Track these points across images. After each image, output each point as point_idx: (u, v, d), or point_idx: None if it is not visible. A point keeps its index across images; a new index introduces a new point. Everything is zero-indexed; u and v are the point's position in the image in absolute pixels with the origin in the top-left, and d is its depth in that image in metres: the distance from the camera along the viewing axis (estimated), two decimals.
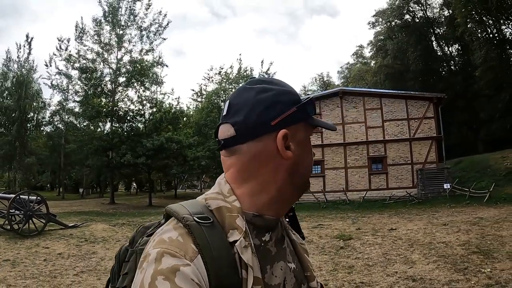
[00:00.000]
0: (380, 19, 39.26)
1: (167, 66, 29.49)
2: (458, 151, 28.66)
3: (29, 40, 35.18)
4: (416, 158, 20.56)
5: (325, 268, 6.77)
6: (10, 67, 35.32)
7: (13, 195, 10.96)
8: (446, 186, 18.40)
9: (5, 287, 5.70)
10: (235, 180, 0.81)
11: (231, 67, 35.09)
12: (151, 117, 25.41)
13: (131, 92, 26.56)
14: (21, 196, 10.84)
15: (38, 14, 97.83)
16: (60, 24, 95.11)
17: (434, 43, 37.71)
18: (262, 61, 51.60)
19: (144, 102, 25.82)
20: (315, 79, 56.42)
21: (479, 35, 30.06)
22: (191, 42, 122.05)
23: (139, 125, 26.44)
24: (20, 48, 35.05)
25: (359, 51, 45.10)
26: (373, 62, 42.19)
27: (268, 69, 35.45)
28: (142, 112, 25.65)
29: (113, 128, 25.57)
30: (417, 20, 37.28)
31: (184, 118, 30.81)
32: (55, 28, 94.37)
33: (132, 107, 25.99)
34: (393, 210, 16.04)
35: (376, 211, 16.23)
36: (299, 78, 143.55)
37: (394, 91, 23.23)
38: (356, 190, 20.46)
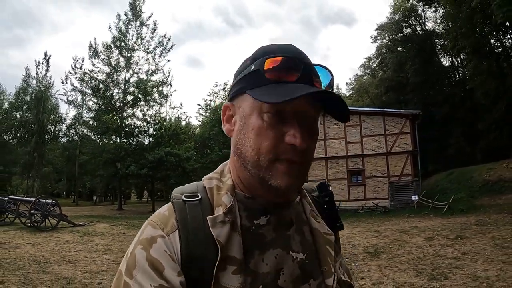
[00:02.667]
0: (383, 33, 42.32)
1: (171, 85, 33.63)
2: (456, 162, 30.64)
3: (47, 57, 40.06)
4: (392, 171, 23.58)
5: None
6: (29, 83, 40.22)
7: (33, 199, 14.89)
8: (414, 197, 21.06)
9: (28, 255, 9.38)
10: (230, 158, 0.84)
11: None
12: (154, 133, 29.69)
13: (137, 110, 31.04)
14: (40, 200, 14.73)
15: (56, 24, 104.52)
16: (78, 33, 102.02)
17: (433, 55, 39.99)
18: None
19: (148, 119, 30.13)
20: None
21: (467, 49, 32.30)
22: (207, 51, 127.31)
23: (144, 139, 30.77)
24: (38, 65, 40.03)
25: (367, 63, 47.95)
26: (375, 75, 45.24)
27: None
28: (146, 128, 29.99)
29: (121, 142, 29.59)
30: (417, 34, 40.15)
31: (189, 133, 34.74)
32: (73, 37, 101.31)
33: (138, 123, 30.43)
34: (356, 218, 18.56)
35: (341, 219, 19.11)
36: None
37: (372, 109, 26.50)
38: (336, 201, 23.63)
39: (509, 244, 8.87)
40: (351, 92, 53.48)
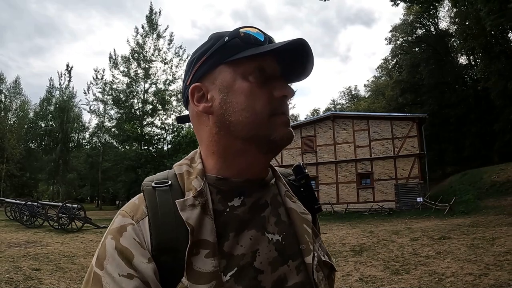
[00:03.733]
0: (397, 34, 43.37)
1: None
2: (473, 163, 31.15)
3: (69, 68, 42.78)
4: (400, 174, 24.76)
5: None
6: (53, 93, 43.06)
7: (60, 204, 16.90)
8: (419, 199, 22.15)
9: (57, 251, 11.22)
10: (199, 145, 0.87)
11: None
12: (172, 141, 31.93)
13: (155, 119, 33.36)
14: (66, 205, 16.71)
15: (76, 32, 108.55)
16: (97, 40, 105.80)
17: (447, 56, 40.72)
18: None
19: (166, 127, 32.37)
20: (344, 93, 61.07)
21: (476, 49, 32.63)
22: None
23: (162, 147, 33.06)
24: (61, 76, 42.81)
25: (384, 64, 48.90)
26: (391, 77, 46.26)
27: None
28: (165, 136, 32.24)
29: (141, 150, 31.77)
30: (430, 34, 41.05)
31: None
32: (93, 44, 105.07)
33: (157, 131, 32.74)
34: (360, 220, 19.60)
35: (344, 220, 19.99)
36: (335, 89, 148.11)
37: (380, 114, 27.80)
38: (345, 203, 25.09)
39: (484, 245, 9.51)
40: (369, 93, 54.46)
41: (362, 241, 12.11)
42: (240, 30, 0.79)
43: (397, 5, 22.80)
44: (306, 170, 0.97)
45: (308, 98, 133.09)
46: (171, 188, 0.78)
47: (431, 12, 39.86)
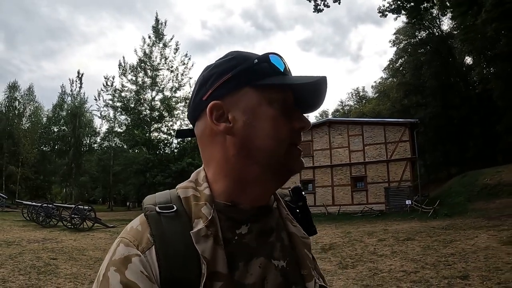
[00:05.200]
0: (400, 37, 45.11)
1: None
2: (476, 164, 31.95)
3: (80, 75, 45.71)
4: (392, 177, 26.68)
5: None
6: (65, 99, 46.10)
7: (73, 206, 19.47)
8: (408, 202, 23.69)
9: (71, 246, 13.67)
10: (204, 166, 0.84)
11: None
12: (177, 146, 34.74)
13: (162, 125, 36.15)
14: (78, 206, 19.29)
15: (87, 34, 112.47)
16: (109, 42, 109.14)
17: (450, 57, 41.99)
18: None
19: (172, 133, 35.06)
20: (352, 94, 62.90)
21: (473, 53, 33.77)
22: None
23: (168, 152, 35.81)
24: (72, 83, 45.76)
25: (390, 66, 50.40)
26: (396, 78, 47.91)
27: None
28: (171, 141, 35.04)
29: (148, 155, 34.44)
30: (432, 36, 42.49)
31: None
32: (104, 46, 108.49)
33: (163, 136, 35.54)
34: (349, 221, 21.09)
35: (334, 221, 21.44)
36: (346, 88, 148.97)
37: (374, 119, 29.92)
38: (340, 205, 27.23)
39: (438, 247, 10.42)
40: (377, 95, 55.96)
41: (335, 240, 13.49)
42: (270, 55, 0.80)
43: (385, 16, 24.64)
44: (304, 193, 0.98)
45: None
46: (177, 214, 0.76)
47: (433, 14, 41.39)
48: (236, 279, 0.74)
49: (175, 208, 0.76)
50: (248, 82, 0.78)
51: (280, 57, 0.82)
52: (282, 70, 0.81)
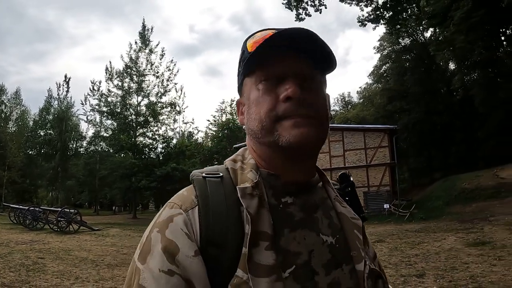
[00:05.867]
0: (384, 44, 46.43)
1: (179, 106, 39.44)
2: (459, 169, 32.56)
3: (67, 79, 46.53)
4: (372, 182, 27.76)
5: None
6: (52, 103, 46.80)
7: (59, 209, 20.34)
8: (386, 206, 24.68)
9: (57, 247, 14.57)
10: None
11: None
12: (162, 151, 35.67)
13: (147, 131, 37.16)
14: (64, 210, 20.17)
15: (75, 37, 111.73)
16: (97, 45, 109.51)
17: (433, 64, 42.94)
18: None
19: (157, 138, 36.14)
20: (337, 99, 64.22)
21: (453, 60, 34.79)
22: (225, 60, 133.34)
23: (153, 156, 36.78)
24: (59, 87, 46.51)
25: (375, 71, 51.51)
26: (380, 84, 49.27)
27: None
28: (156, 146, 35.99)
29: (134, 159, 35.36)
30: (416, 43, 43.65)
31: (195, 148, 40.54)
32: (93, 49, 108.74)
33: (148, 141, 36.59)
34: None
35: None
36: (333, 93, 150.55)
37: (354, 125, 31.24)
38: None
39: (404, 248, 11.04)
40: (362, 100, 57.21)
41: None
42: (248, 40, 0.84)
43: (365, 25, 25.72)
44: (352, 178, 0.99)
45: None
46: (222, 180, 0.80)
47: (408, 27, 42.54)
48: (281, 244, 0.74)
49: (221, 174, 0.81)
50: (243, 73, 0.86)
51: (262, 32, 0.84)
52: (250, 52, 0.81)
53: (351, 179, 1.00)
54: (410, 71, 42.62)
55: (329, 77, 0.92)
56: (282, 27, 0.82)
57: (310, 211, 0.83)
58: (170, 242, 0.70)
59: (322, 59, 0.83)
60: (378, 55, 48.35)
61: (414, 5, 24.16)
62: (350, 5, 25.76)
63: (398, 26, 25.85)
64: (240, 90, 0.91)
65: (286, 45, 0.79)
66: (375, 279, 0.85)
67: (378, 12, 25.48)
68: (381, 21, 25.87)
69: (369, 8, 25.42)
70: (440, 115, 39.51)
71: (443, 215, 19.48)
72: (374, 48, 48.28)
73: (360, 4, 25.74)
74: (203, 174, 0.81)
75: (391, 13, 24.97)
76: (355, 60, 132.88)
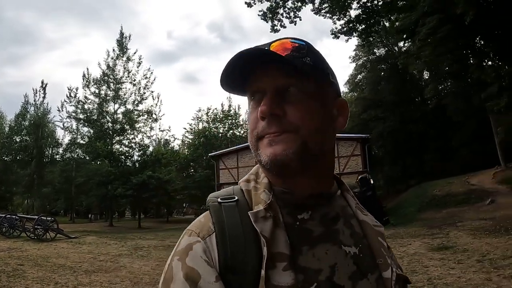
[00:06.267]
0: (360, 53, 47.63)
1: (155, 114, 40.08)
2: (433, 177, 32.85)
3: (43, 85, 46.50)
4: None
5: None
6: (28, 109, 46.66)
7: (36, 217, 20.73)
8: None
9: (35, 254, 15.05)
10: None
11: (215, 108, 46.76)
12: (138, 159, 36.28)
13: (124, 138, 37.79)
14: (41, 217, 20.57)
15: (53, 41, 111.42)
16: (74, 49, 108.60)
17: (407, 73, 43.11)
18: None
19: (133, 146, 36.77)
20: None
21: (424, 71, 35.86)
22: (203, 67, 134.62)
23: (130, 164, 37.42)
24: (36, 93, 46.46)
25: (351, 80, 51.78)
26: (355, 93, 50.44)
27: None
28: (132, 154, 36.66)
29: (110, 167, 35.75)
30: (391, 53, 44.84)
31: (171, 157, 41.16)
32: (71, 54, 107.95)
33: (125, 149, 37.20)
34: None
35: None
36: None
37: None
38: None
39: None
40: None
41: None
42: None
43: (338, 37, 26.65)
44: (372, 181, 1.74)
45: None
46: (238, 203, 0.81)
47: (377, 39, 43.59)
48: (300, 264, 0.76)
49: (236, 198, 0.83)
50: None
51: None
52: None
53: (371, 182, 1.26)
54: (385, 80, 43.64)
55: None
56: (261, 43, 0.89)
57: (330, 223, 0.84)
58: (191, 269, 0.73)
59: (291, 66, 0.80)
60: (354, 64, 49.44)
61: (385, 18, 25.15)
62: (325, 17, 26.72)
63: (371, 39, 26.76)
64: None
65: (256, 61, 0.81)
66: (402, 284, 0.86)
67: (351, 25, 26.35)
68: (354, 33, 26.72)
69: (342, 21, 26.32)
70: (415, 123, 40.25)
71: (414, 221, 19.97)
72: (350, 57, 49.35)
73: (333, 17, 26.70)
74: (219, 200, 0.83)
75: (363, 26, 25.84)
76: (333, 68, 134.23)
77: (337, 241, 0.82)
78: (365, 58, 47.39)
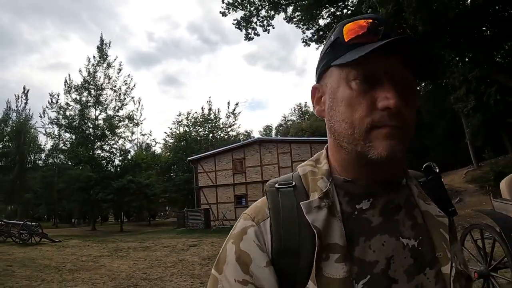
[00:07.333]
0: None
1: (136, 118, 41.80)
2: None
3: (25, 91, 47.52)
4: None
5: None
6: (10, 115, 47.63)
7: (21, 222, 22.18)
8: None
9: (21, 257, 16.56)
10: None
11: (196, 112, 48.74)
12: (119, 164, 37.79)
13: (104, 144, 39.23)
14: (26, 223, 22.02)
15: (31, 44, 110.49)
16: (53, 51, 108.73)
17: None
18: (228, 102, 70.06)
19: (114, 151, 38.32)
20: (294, 109, 67.29)
21: None
22: (184, 69, 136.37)
23: (111, 169, 38.90)
24: (18, 98, 47.45)
25: None
26: None
27: (234, 110, 47.93)
28: (113, 159, 38.16)
29: (91, 173, 37.06)
30: None
31: (151, 161, 42.74)
32: (49, 56, 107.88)
33: (106, 155, 38.78)
34: None
35: None
36: (291, 102, 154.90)
37: (300, 138, 34.21)
38: None
39: None
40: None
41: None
42: (345, 26, 0.77)
43: (309, 45, 28.44)
44: (437, 169, 0.93)
45: (265, 112, 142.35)
46: (295, 189, 0.81)
47: None
48: (355, 255, 0.75)
49: (293, 184, 0.83)
50: (329, 62, 0.80)
51: (367, 20, 0.76)
52: (346, 41, 0.76)
53: (437, 170, 0.94)
54: None
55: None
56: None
57: (391, 213, 0.81)
58: (243, 253, 0.76)
59: (421, 64, 0.78)
60: None
61: None
62: (297, 26, 28.53)
63: None
64: (320, 76, 0.86)
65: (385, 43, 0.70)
66: (465, 282, 0.82)
67: (321, 33, 28.08)
68: (324, 41, 28.34)
69: (311, 30, 28.09)
70: None
71: None
72: None
73: (303, 27, 28.46)
74: (276, 185, 0.84)
75: None
76: (313, 70, 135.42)
77: (396, 232, 0.79)
78: None
